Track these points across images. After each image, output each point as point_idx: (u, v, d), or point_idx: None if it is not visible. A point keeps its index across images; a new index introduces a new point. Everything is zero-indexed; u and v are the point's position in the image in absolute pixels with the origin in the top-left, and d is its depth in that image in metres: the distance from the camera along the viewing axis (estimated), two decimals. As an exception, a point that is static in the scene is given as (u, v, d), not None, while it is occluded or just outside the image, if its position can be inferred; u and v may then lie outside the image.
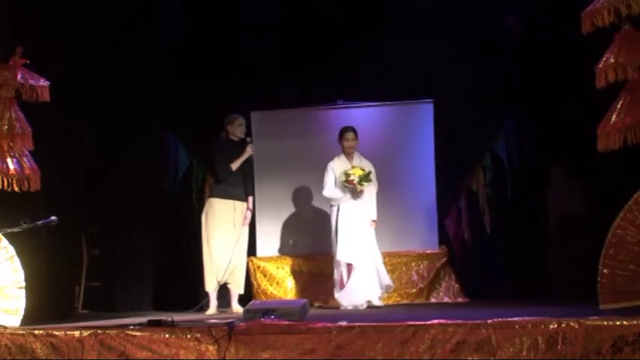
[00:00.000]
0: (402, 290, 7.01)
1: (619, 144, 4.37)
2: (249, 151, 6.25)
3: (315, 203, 7.36)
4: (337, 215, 6.39)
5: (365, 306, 6.29)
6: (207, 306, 6.22)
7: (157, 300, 7.15)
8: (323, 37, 7.15)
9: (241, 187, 6.30)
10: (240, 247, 6.26)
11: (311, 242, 7.37)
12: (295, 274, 7.28)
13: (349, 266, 6.36)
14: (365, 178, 6.32)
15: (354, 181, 6.30)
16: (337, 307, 6.41)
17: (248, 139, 6.34)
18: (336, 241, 6.35)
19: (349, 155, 6.51)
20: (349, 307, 6.27)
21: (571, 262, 6.14)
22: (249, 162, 6.34)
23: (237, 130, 6.34)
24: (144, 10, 6.89)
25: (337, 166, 6.45)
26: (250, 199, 6.39)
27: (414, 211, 7.25)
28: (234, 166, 6.22)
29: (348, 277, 6.35)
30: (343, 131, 6.54)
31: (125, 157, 6.95)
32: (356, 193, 6.36)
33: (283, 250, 7.47)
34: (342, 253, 6.32)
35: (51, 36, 5.97)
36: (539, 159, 6.90)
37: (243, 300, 7.00)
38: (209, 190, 7.03)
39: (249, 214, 6.33)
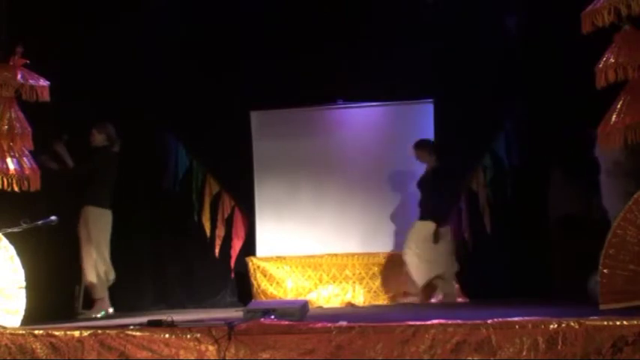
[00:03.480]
0: (402, 290, 7.00)
1: (619, 144, 4.38)
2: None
3: (316, 203, 7.36)
4: None
5: None
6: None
7: (156, 300, 7.15)
8: (323, 37, 7.15)
9: None
10: None
11: (311, 242, 7.36)
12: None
13: None
14: None
15: None
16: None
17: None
18: None
19: None
20: None
21: (571, 262, 6.14)
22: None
23: None
24: (143, 10, 6.89)
25: None
26: None
27: (414, 211, 7.24)
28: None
29: None
30: None
31: (125, 157, 6.95)
32: None
33: (283, 250, 7.46)
34: None
35: (50, 36, 5.97)
36: (540, 159, 6.89)
37: (244, 300, 7.05)
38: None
39: None
